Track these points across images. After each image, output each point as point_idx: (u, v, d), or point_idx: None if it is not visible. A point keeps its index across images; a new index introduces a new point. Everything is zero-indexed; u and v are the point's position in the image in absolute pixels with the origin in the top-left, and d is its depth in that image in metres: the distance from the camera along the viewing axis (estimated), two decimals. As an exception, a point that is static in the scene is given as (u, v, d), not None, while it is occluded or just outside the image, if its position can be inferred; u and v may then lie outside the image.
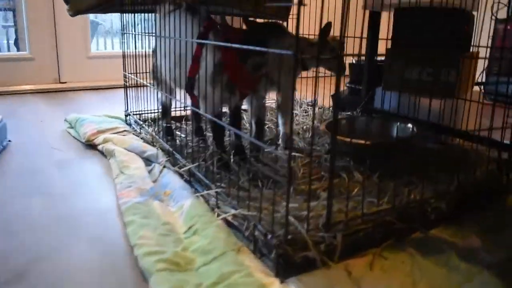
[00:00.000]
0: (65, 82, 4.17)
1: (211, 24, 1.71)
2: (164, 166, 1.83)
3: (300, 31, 0.97)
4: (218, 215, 1.36)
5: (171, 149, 1.91)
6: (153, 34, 2.07)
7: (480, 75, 2.54)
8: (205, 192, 1.51)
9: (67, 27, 4.09)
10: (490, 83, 1.61)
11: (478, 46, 2.14)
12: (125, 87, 2.67)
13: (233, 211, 1.33)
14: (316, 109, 3.01)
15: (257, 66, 1.68)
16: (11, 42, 4.59)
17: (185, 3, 1.89)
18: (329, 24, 1.88)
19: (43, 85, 4.04)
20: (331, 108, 3.04)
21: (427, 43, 2.38)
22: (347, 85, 3.08)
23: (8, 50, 4.58)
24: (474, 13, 2.31)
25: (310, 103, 3.14)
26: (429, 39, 2.38)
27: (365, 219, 1.27)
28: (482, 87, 2.50)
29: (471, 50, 2.46)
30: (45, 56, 4.09)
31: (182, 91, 1.89)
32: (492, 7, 2.40)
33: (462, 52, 2.27)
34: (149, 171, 1.84)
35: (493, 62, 2.87)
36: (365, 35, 2.69)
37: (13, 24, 4.42)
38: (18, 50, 4.32)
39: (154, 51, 2.14)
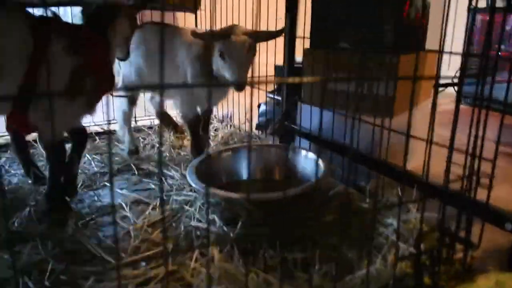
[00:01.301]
0: None
1: (52, 23, 1.36)
2: None
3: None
4: None
5: None
6: None
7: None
8: None
9: None
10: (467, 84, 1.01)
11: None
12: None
13: None
14: (229, 125, 2.36)
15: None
16: None
17: None
18: None
19: None
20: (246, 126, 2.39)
21: (354, 40, 1.75)
22: (268, 95, 2.42)
23: None
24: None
25: (221, 119, 2.49)
26: (357, 33, 1.75)
27: None
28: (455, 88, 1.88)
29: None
30: None
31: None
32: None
33: (405, 51, 1.64)
34: None
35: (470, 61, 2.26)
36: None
37: None
38: None
39: None
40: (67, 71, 1.34)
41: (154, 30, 1.94)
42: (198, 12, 2.54)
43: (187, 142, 2.17)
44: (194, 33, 1.62)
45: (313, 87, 1.86)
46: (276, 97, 2.33)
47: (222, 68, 1.63)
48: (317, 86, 1.86)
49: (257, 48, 1.69)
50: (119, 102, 2.04)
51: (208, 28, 2.56)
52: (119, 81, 2.04)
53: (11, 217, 1.40)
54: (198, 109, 1.91)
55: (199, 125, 1.95)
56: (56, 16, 1.47)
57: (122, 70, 2.02)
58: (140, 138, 2.31)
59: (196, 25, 2.58)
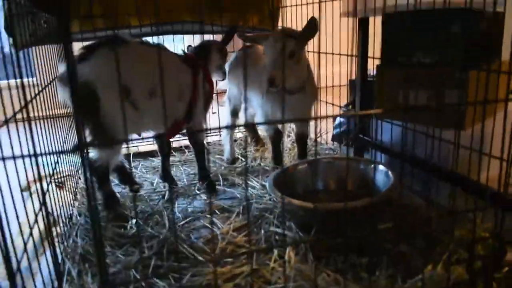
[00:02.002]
0: None
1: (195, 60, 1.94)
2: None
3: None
4: None
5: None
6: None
7: None
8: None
9: None
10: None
11: None
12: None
13: None
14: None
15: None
16: None
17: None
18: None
19: None
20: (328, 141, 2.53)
21: (427, 56, 1.81)
22: (343, 108, 2.53)
23: None
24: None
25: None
26: (429, 51, 1.81)
27: None
28: None
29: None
30: None
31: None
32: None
33: (477, 65, 1.68)
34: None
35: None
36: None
37: None
38: None
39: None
40: (204, 91, 1.95)
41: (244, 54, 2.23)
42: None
43: (268, 154, 2.36)
44: (242, 35, 1.89)
45: (387, 101, 1.95)
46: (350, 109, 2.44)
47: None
48: (390, 101, 1.94)
49: (305, 49, 1.88)
50: (224, 114, 2.38)
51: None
52: (225, 96, 2.38)
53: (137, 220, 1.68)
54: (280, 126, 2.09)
55: (279, 139, 2.12)
56: (185, 54, 1.99)
57: (228, 87, 2.33)
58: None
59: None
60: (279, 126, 2.10)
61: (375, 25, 2.04)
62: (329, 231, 1.48)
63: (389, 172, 1.66)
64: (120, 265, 1.38)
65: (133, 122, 1.66)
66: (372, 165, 1.75)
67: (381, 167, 1.73)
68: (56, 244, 1.35)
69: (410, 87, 1.84)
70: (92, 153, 1.64)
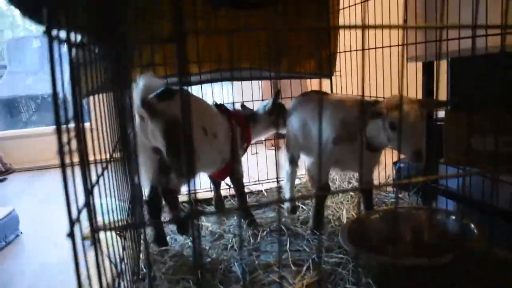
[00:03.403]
0: None
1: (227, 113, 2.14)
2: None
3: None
4: None
5: None
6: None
7: None
8: None
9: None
10: None
11: None
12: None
13: None
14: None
15: None
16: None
17: None
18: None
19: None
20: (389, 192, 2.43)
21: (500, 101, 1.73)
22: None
23: None
24: None
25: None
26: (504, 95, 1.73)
27: None
28: None
29: None
30: None
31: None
32: None
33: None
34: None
35: None
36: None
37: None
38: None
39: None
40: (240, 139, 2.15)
41: (303, 100, 2.18)
42: (333, 78, 2.73)
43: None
44: (362, 105, 1.70)
45: (456, 147, 1.86)
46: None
47: (392, 139, 1.62)
48: (461, 147, 1.85)
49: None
50: (285, 162, 2.34)
51: (343, 92, 2.71)
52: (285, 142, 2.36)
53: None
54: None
55: (325, 197, 1.98)
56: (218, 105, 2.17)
57: (287, 134, 2.27)
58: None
59: (331, 90, 2.75)
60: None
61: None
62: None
63: (471, 224, 1.55)
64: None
65: (206, 159, 1.86)
66: (454, 217, 1.64)
67: (457, 216, 1.63)
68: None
69: (483, 133, 1.75)
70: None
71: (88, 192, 0.76)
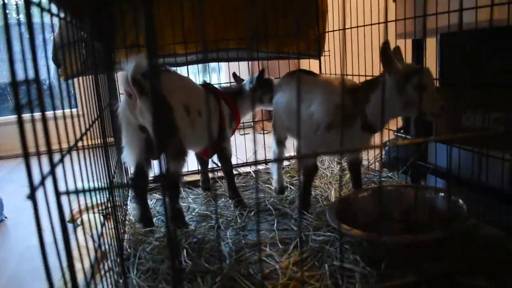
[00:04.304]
0: None
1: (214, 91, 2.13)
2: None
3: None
4: None
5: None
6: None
7: None
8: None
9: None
10: None
11: None
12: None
13: None
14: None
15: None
16: None
17: None
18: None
19: None
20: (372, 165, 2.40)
21: (491, 77, 1.70)
22: (395, 133, 2.42)
23: None
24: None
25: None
26: (495, 71, 1.70)
27: None
28: None
29: None
30: None
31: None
32: None
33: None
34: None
35: None
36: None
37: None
38: None
39: None
40: (228, 118, 2.13)
41: (288, 80, 2.09)
42: (322, 58, 2.69)
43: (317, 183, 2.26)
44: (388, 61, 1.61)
45: (448, 124, 1.84)
46: (403, 135, 2.32)
47: (415, 101, 1.60)
48: (449, 124, 1.83)
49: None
50: (272, 143, 2.28)
51: (333, 72, 2.68)
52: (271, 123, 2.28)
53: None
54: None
55: (313, 176, 1.95)
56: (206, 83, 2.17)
57: (273, 115, 2.21)
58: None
59: (320, 71, 2.71)
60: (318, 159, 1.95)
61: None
62: (399, 265, 1.36)
63: (460, 201, 1.54)
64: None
65: (191, 138, 1.85)
66: (442, 194, 1.62)
67: (446, 194, 1.61)
68: (109, 279, 1.28)
69: (474, 109, 1.73)
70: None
71: (52, 163, 0.72)
